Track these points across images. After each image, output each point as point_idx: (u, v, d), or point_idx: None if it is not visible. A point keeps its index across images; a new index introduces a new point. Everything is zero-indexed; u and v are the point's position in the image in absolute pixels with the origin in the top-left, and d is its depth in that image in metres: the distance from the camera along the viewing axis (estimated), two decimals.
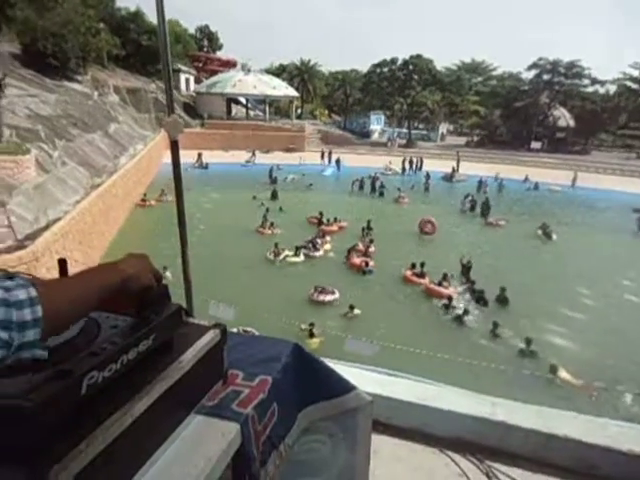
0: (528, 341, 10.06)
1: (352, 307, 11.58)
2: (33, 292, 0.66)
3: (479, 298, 12.39)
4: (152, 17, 34.74)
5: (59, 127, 18.31)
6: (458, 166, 32.61)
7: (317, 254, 15.77)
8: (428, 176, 28.33)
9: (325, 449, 1.44)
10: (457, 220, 21.61)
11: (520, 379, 8.63)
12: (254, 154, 32.97)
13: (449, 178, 31.34)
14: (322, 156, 34.10)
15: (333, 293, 12.44)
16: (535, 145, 44.03)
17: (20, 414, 0.67)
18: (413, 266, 14.07)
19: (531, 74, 44.79)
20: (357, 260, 14.94)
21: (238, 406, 1.09)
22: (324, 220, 18.85)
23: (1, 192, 10.98)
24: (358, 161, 33.42)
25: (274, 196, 22.60)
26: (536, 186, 29.74)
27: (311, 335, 10.16)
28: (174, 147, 1.61)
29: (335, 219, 19.05)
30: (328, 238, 17.11)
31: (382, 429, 2.32)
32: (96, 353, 0.80)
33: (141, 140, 26.77)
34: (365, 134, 45.67)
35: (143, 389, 0.86)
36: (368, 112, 47.56)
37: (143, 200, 21.04)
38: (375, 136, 46.26)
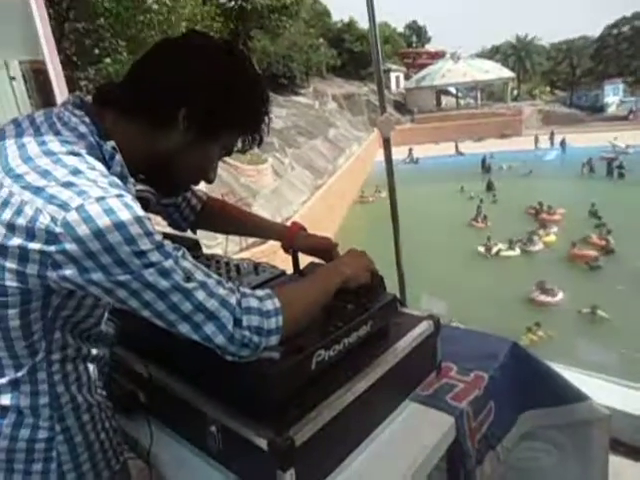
0: None
1: (595, 308, 10.13)
2: (277, 303, 0.78)
3: None
4: (363, 24, 36.61)
5: (288, 137, 20.90)
6: None
7: (535, 248, 14.28)
8: None
9: (550, 459, 1.31)
10: None
11: None
12: (457, 147, 31.50)
13: None
14: (536, 141, 30.19)
15: (556, 295, 11.06)
16: None
17: (266, 379, 0.80)
18: None
19: None
20: (580, 251, 12.96)
21: (452, 399, 1.08)
22: (543, 209, 16.96)
23: (248, 196, 13.17)
24: (590, 140, 28.78)
25: (489, 187, 21.16)
26: None
27: (528, 330, 9.36)
28: (386, 144, 1.70)
29: (549, 207, 16.90)
30: (555, 229, 15.29)
31: (625, 451, 1.99)
32: (323, 334, 0.90)
33: (356, 141, 28.55)
34: (598, 109, 39.15)
35: (363, 370, 0.93)
36: (601, 83, 40.64)
37: (362, 197, 22.53)
38: (612, 109, 39.21)
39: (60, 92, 2.32)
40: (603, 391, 2.07)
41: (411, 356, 1.03)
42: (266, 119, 0.88)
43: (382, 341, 1.03)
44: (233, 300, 0.73)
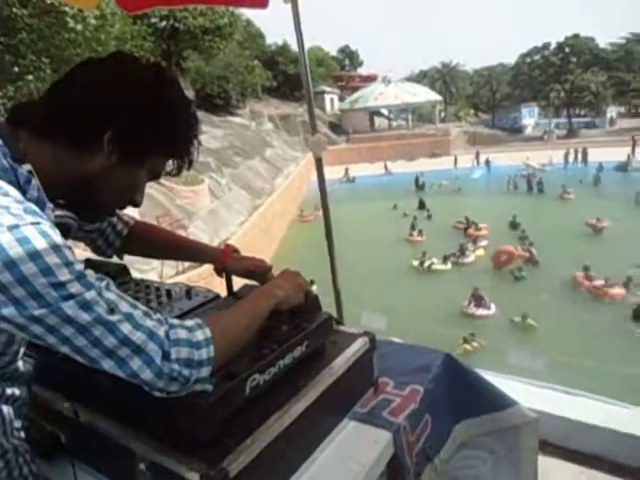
0: None
1: (525, 316, 10.67)
2: (208, 333, 0.74)
3: None
4: (296, 47, 37.33)
5: (225, 157, 20.70)
6: (634, 153, 28.16)
7: (467, 260, 15.04)
8: (601, 167, 25.12)
9: (485, 467, 1.36)
10: (635, 214, 18.63)
11: None
12: (386, 167, 32.66)
13: (624, 167, 27.24)
14: (455, 161, 31.45)
15: (489, 308, 11.61)
16: None
17: (197, 410, 0.77)
18: (586, 268, 12.51)
19: None
20: (504, 257, 13.83)
21: (389, 415, 1.09)
22: (470, 224, 17.95)
23: (184, 218, 12.82)
24: (511, 159, 30.87)
25: (422, 206, 21.94)
26: None
27: (464, 341, 9.76)
28: (319, 164, 1.72)
29: (474, 223, 17.93)
30: (484, 242, 16.16)
31: (553, 451, 2.10)
32: (257, 358, 0.88)
33: (293, 161, 28.80)
34: (517, 130, 42.31)
35: (299, 392, 0.92)
36: (518, 106, 43.99)
37: (301, 216, 22.61)
38: (529, 130, 42.55)
39: None
40: (531, 395, 2.19)
41: (348, 374, 1.03)
42: (195, 143, 0.86)
43: (318, 361, 1.02)
44: (161, 332, 0.70)
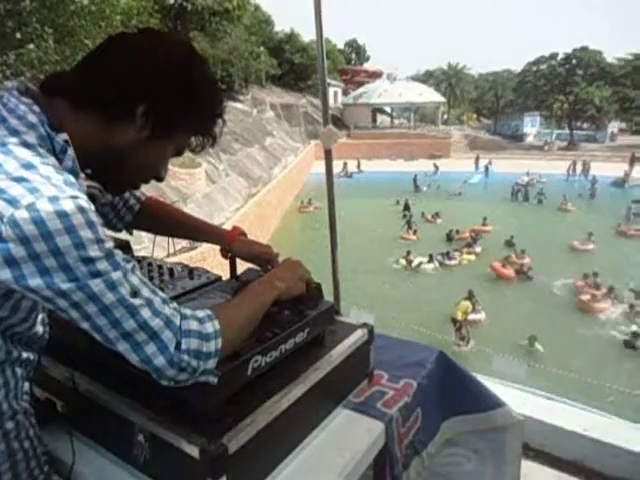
0: None
1: (534, 339, 9.79)
2: (217, 325, 0.75)
3: None
4: (305, 37, 37.16)
5: (224, 143, 20.51)
6: (631, 170, 28.34)
7: (453, 262, 15.19)
8: (595, 181, 25.31)
9: (469, 465, 1.39)
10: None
11: None
12: (359, 164, 32.17)
13: (620, 183, 27.44)
14: (434, 165, 31.01)
15: (478, 312, 11.41)
16: None
17: (199, 386, 0.77)
18: (586, 276, 12.87)
19: None
20: (506, 270, 13.93)
21: (383, 406, 1.11)
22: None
23: (178, 200, 12.75)
24: (510, 166, 30.88)
25: (406, 208, 21.12)
26: None
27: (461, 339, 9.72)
28: (328, 156, 1.72)
29: (457, 231, 18.02)
30: (478, 249, 16.25)
31: (534, 455, 2.14)
32: (259, 340, 0.89)
33: (292, 152, 28.68)
34: (518, 137, 42.36)
35: (298, 377, 0.94)
36: (521, 114, 44.02)
37: (301, 207, 22.45)
38: (530, 139, 42.64)
39: None
40: (517, 399, 2.22)
41: (346, 363, 1.05)
42: (220, 122, 0.87)
43: (318, 348, 1.04)
44: (177, 321, 0.70)
